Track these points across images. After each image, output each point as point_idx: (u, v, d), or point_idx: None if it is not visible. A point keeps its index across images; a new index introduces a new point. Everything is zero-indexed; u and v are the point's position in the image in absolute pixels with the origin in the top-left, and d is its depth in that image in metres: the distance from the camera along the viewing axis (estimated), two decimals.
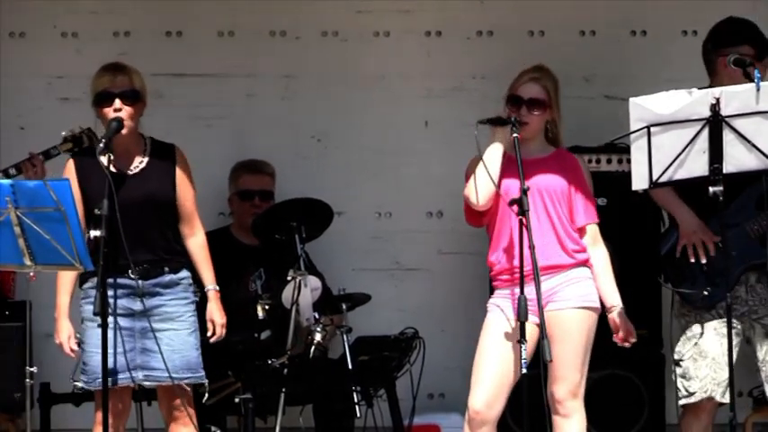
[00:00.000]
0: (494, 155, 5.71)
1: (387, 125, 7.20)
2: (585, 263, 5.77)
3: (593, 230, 5.87)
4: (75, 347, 5.69)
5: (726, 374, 5.78)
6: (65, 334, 5.70)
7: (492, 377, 5.70)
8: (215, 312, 5.86)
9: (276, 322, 6.25)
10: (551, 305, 5.61)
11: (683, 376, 5.95)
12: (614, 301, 5.80)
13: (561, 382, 5.69)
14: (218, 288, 5.86)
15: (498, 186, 5.69)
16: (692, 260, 5.95)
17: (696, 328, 5.94)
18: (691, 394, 5.88)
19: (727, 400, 5.83)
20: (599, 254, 5.87)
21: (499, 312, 5.77)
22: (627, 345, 5.78)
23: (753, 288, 5.95)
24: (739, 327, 5.89)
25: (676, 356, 5.97)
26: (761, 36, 6.05)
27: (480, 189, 5.70)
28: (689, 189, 5.83)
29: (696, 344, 5.90)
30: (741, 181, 5.63)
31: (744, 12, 6.67)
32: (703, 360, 5.88)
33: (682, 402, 5.97)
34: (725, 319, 5.75)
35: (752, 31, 6.06)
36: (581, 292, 5.74)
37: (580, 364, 5.72)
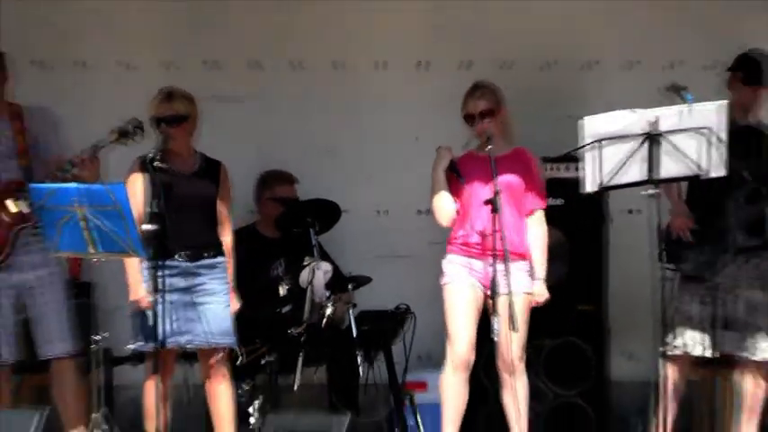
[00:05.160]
0: (439, 180, 5.93)
1: (385, 140, 7.27)
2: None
3: (539, 214, 5.97)
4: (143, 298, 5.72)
5: (702, 335, 5.93)
6: (143, 292, 5.75)
7: (467, 329, 5.80)
8: (234, 301, 6.02)
9: (295, 299, 6.28)
10: (506, 283, 5.66)
11: (668, 334, 5.85)
12: (540, 273, 5.91)
13: (516, 348, 5.77)
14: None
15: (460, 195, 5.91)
16: (679, 237, 5.99)
17: (679, 294, 5.97)
18: (675, 347, 5.88)
19: (699, 353, 5.95)
20: (540, 232, 5.97)
21: (462, 279, 5.87)
22: (539, 304, 5.91)
23: (738, 267, 5.96)
24: (718, 297, 5.95)
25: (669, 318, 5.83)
26: (756, 66, 6.05)
27: (444, 215, 5.95)
28: (702, 198, 5.96)
29: (677, 309, 5.92)
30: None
31: (689, 45, 6.82)
32: (684, 321, 5.94)
33: (667, 353, 5.81)
34: (707, 287, 5.94)
35: (750, 62, 6.07)
36: (527, 281, 5.85)
37: (525, 335, 5.80)
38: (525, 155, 6.05)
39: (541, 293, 5.90)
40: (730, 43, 6.35)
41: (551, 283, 6.03)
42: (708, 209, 5.96)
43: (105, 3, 7.24)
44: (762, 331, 5.94)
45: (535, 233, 5.95)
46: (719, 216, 5.94)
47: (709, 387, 6.36)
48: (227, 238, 6.03)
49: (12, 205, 5.93)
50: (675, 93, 5.62)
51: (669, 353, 5.80)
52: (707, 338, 5.93)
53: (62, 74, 7.00)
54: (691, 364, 6.01)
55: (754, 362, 5.97)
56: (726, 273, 5.94)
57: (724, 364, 6.13)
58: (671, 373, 5.82)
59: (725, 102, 5.57)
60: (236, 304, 6.02)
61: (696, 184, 5.80)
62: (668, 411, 5.70)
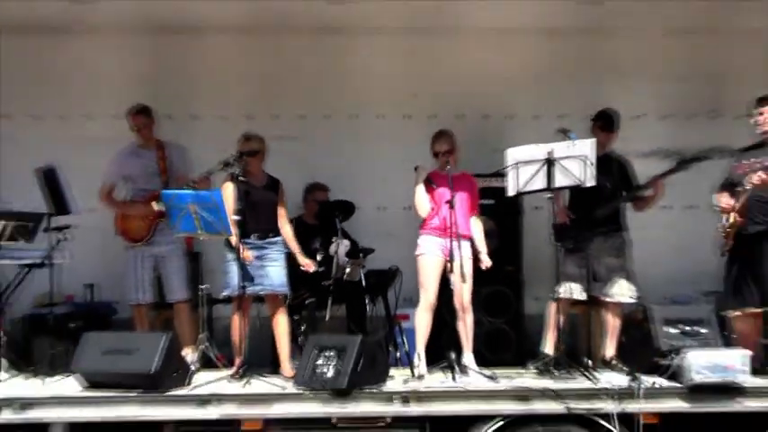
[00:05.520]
0: (420, 188, 5.83)
1: (384, 163, 7.12)
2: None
3: (476, 217, 5.97)
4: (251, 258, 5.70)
5: (579, 285, 5.85)
6: (247, 253, 5.69)
7: (434, 284, 5.76)
8: (305, 260, 5.96)
9: (327, 263, 6.24)
10: (459, 253, 5.64)
11: (561, 287, 5.83)
12: (484, 249, 5.87)
13: (465, 295, 5.72)
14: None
15: (432, 197, 5.82)
16: (561, 225, 5.91)
17: (569, 264, 5.89)
18: (561, 293, 5.81)
19: (577, 296, 5.89)
20: (479, 227, 5.96)
21: (433, 248, 5.79)
22: (485, 267, 5.82)
23: (602, 242, 5.93)
24: (589, 261, 5.87)
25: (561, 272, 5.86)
26: (610, 119, 6.03)
27: (423, 210, 5.84)
28: (580, 200, 5.87)
29: (570, 269, 5.86)
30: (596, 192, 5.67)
31: (572, 104, 6.70)
32: (568, 277, 5.85)
33: (556, 296, 5.82)
34: (581, 256, 5.84)
35: (605, 116, 6.04)
36: (470, 252, 5.80)
37: (471, 286, 5.75)
38: (470, 177, 6.04)
39: (488, 261, 5.85)
40: (596, 103, 6.31)
41: (489, 251, 5.97)
42: (583, 206, 5.90)
43: (211, 75, 7.17)
44: (616, 283, 5.93)
45: (476, 228, 5.94)
46: (590, 211, 5.88)
47: (586, 318, 6.31)
48: (286, 227, 5.98)
49: (155, 205, 5.99)
50: (564, 134, 5.61)
51: (559, 297, 5.79)
52: (581, 287, 5.88)
53: (182, 122, 6.93)
54: (572, 304, 5.97)
55: (612, 302, 5.97)
56: (593, 246, 5.90)
57: (594, 304, 6.09)
58: (561, 309, 5.80)
59: (594, 139, 5.61)
60: (308, 261, 5.99)
61: (576, 192, 5.75)
62: (558, 331, 5.76)
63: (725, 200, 5.62)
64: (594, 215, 5.86)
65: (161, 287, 6.24)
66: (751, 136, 5.74)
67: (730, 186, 5.68)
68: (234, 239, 5.63)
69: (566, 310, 5.90)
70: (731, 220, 5.56)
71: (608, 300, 5.92)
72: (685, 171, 5.71)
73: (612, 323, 5.96)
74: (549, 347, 5.85)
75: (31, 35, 6.68)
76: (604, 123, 5.98)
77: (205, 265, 6.72)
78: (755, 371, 5.36)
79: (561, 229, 5.89)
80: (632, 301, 5.92)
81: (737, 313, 5.69)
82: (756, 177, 5.36)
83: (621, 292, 5.89)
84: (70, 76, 6.92)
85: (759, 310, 5.60)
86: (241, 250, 5.60)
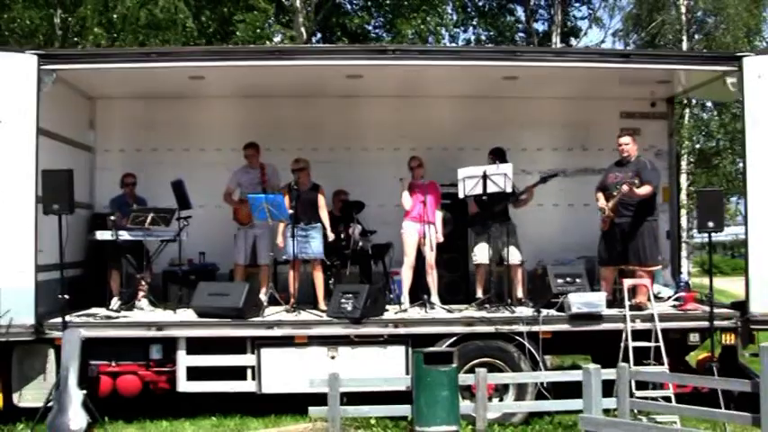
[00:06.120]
0: (405, 192, 5.67)
1: (382, 179, 6.62)
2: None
3: (438, 211, 5.74)
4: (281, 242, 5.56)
5: (489, 253, 5.58)
6: (281, 239, 5.59)
7: (413, 252, 5.65)
8: (330, 234, 5.71)
9: (347, 239, 6.05)
10: (428, 232, 5.50)
11: (475, 255, 5.70)
12: (440, 231, 5.68)
13: (432, 259, 5.59)
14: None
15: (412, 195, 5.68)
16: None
17: (477, 241, 5.72)
18: (478, 260, 5.68)
19: (485, 261, 5.64)
20: (439, 217, 5.76)
21: (412, 229, 5.65)
22: (439, 242, 5.63)
23: (498, 228, 5.71)
24: (492, 241, 5.67)
25: (473, 247, 5.75)
26: (502, 152, 5.80)
27: (407, 205, 5.65)
28: (483, 204, 5.58)
29: (478, 244, 5.70)
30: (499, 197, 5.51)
31: (495, 141, 6.29)
32: (481, 251, 5.67)
33: (474, 263, 5.68)
34: (487, 236, 5.63)
35: (498, 150, 5.81)
36: (434, 232, 5.60)
37: (435, 253, 5.59)
38: (435, 185, 5.89)
39: (441, 239, 5.72)
40: (513, 140, 6.18)
41: (445, 232, 5.85)
42: (488, 204, 5.63)
43: (276, 123, 6.67)
44: (510, 253, 5.67)
45: (437, 218, 5.78)
46: (492, 207, 5.65)
47: (507, 272, 6.11)
48: (324, 214, 5.78)
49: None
50: (492, 161, 5.50)
51: (476, 262, 5.75)
52: (490, 256, 5.70)
53: (265, 153, 6.32)
54: (497, 264, 5.79)
55: (513, 264, 5.78)
56: (495, 228, 5.71)
57: (504, 265, 5.92)
58: (482, 270, 5.74)
59: (511, 164, 5.49)
60: (331, 234, 5.73)
61: (481, 197, 5.54)
62: (484, 283, 5.67)
63: (602, 200, 5.56)
64: (494, 210, 5.69)
65: (253, 254, 6.05)
66: (615, 157, 5.65)
67: (603, 188, 5.63)
68: (281, 232, 5.54)
69: (486, 268, 5.75)
70: (607, 212, 5.50)
71: (510, 264, 5.76)
72: (545, 183, 5.71)
73: (519, 276, 5.85)
74: (479, 293, 5.76)
75: (166, 100, 6.47)
76: (497, 157, 5.80)
77: (272, 241, 6.44)
78: (610, 304, 5.33)
79: (473, 220, 5.82)
80: (521, 262, 5.77)
81: (606, 268, 5.63)
82: (625, 188, 5.31)
83: (515, 257, 5.76)
84: (191, 124, 6.68)
85: (619, 267, 5.56)
86: (280, 237, 5.53)
